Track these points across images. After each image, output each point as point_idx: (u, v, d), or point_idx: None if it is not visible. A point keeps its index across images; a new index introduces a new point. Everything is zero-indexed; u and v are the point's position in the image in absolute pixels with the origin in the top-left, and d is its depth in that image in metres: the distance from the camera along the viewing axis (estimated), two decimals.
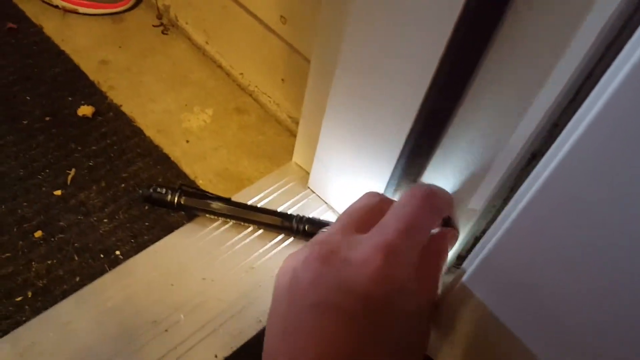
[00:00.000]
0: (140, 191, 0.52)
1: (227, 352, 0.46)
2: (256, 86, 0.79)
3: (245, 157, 0.75)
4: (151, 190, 0.51)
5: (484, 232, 0.42)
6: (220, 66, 0.83)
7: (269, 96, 0.78)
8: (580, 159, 0.25)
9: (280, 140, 0.77)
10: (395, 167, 0.43)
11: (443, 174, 0.43)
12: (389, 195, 0.47)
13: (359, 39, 0.40)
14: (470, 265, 0.34)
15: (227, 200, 0.52)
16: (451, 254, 0.48)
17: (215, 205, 0.52)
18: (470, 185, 0.41)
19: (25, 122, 0.72)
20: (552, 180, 0.27)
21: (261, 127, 0.79)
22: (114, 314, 0.50)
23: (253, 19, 0.72)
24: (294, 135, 0.77)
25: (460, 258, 0.47)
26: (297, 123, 0.75)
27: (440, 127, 0.40)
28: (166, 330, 0.48)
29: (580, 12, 0.29)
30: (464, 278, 0.35)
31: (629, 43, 0.24)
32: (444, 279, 0.38)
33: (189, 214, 0.52)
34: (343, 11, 0.39)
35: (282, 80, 0.74)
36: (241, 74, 0.81)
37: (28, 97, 0.75)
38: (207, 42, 0.83)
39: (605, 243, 0.26)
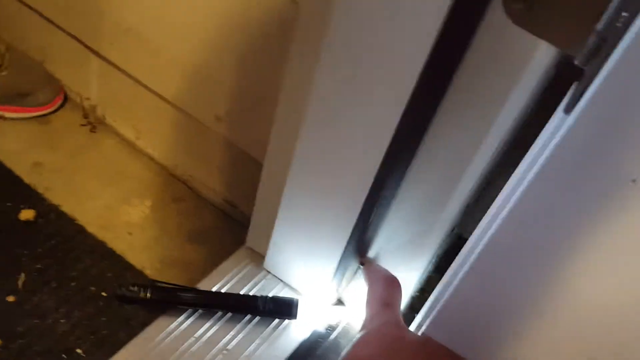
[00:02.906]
0: (116, 291, 0.57)
1: None
2: (190, 175, 0.86)
3: (187, 243, 0.81)
4: (123, 289, 0.56)
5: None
6: (152, 159, 0.89)
7: (204, 183, 0.85)
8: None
9: (219, 223, 0.83)
10: (345, 248, 0.51)
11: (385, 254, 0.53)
12: (340, 272, 0.55)
13: (309, 146, 0.49)
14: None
15: (196, 290, 0.58)
16: None
17: (185, 296, 0.57)
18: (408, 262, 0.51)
19: None
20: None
21: (199, 212, 0.85)
22: None
23: (187, 117, 0.79)
24: (231, 217, 0.84)
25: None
26: (233, 206, 0.82)
27: (380, 216, 0.49)
28: None
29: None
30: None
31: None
32: None
33: (160, 307, 0.57)
34: (295, 120, 0.48)
35: (218, 168, 0.81)
36: (175, 165, 0.87)
37: None
38: (137, 138, 0.89)
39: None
